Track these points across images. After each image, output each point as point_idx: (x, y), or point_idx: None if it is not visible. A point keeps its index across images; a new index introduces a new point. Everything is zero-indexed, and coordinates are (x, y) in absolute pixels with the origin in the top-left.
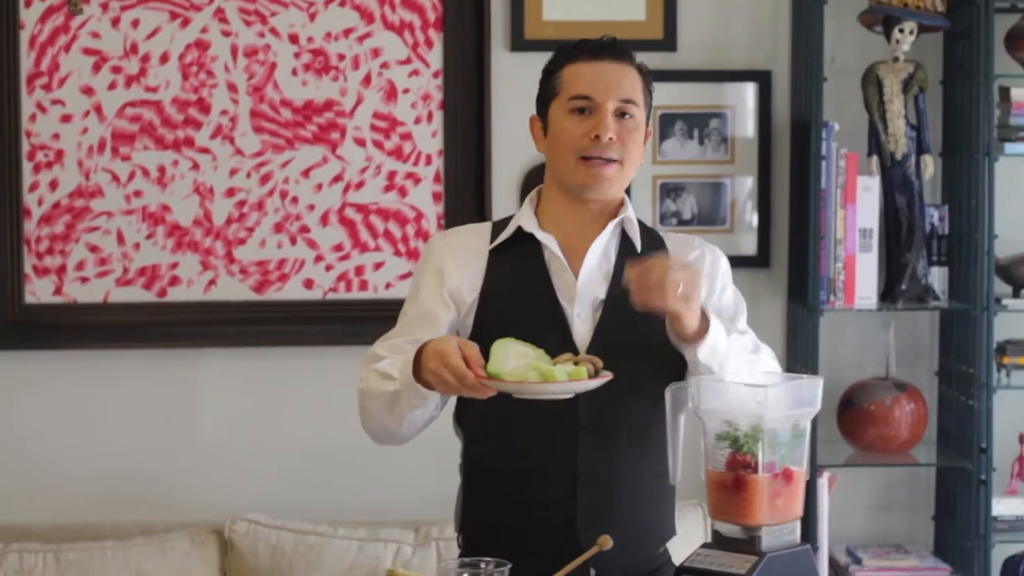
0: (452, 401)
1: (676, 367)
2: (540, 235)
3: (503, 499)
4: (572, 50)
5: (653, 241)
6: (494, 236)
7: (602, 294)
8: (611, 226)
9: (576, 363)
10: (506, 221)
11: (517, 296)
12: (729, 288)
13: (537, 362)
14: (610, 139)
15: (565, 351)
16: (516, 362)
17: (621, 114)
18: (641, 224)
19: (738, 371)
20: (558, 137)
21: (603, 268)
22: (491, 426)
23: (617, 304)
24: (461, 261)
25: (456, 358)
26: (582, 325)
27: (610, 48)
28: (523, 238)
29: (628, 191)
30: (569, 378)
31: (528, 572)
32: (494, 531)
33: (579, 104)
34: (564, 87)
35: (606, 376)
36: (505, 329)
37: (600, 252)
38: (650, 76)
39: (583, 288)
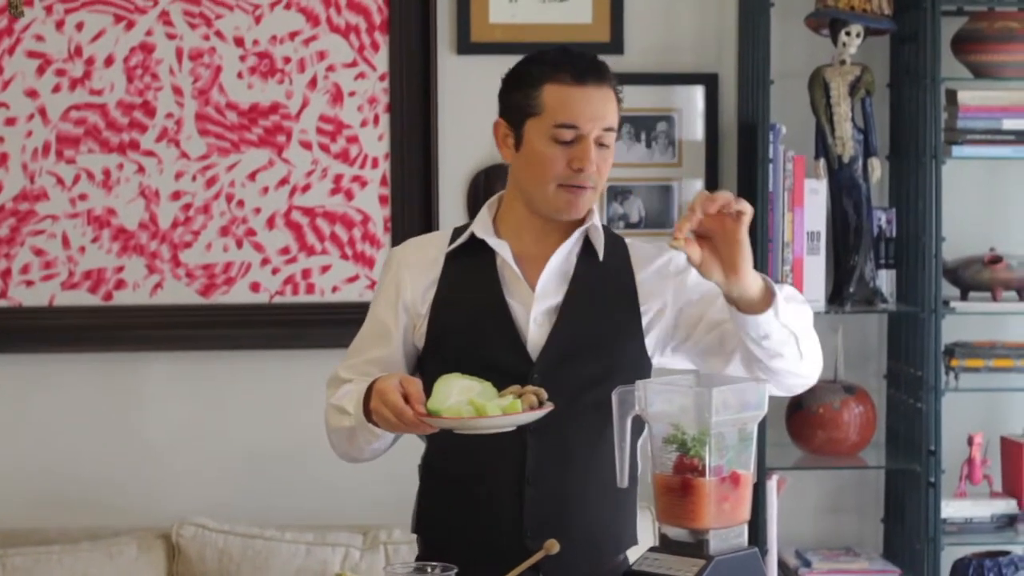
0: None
1: (629, 371)
2: (492, 242)
3: (455, 501)
4: (554, 67)
5: (617, 247)
6: (452, 241)
7: (559, 299)
8: (576, 234)
9: (520, 395)
10: (466, 226)
11: (468, 302)
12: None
13: (477, 397)
14: (592, 170)
15: (517, 357)
16: (459, 397)
17: (599, 141)
18: (606, 230)
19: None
20: (537, 162)
21: (562, 272)
22: (449, 431)
23: (573, 309)
24: (416, 273)
25: (395, 396)
26: (537, 331)
27: (594, 71)
28: (479, 245)
29: None
30: (503, 412)
31: (480, 575)
32: (447, 533)
33: (564, 135)
34: (547, 110)
35: (545, 408)
36: (457, 336)
37: (562, 258)
38: (621, 90)
39: (541, 294)
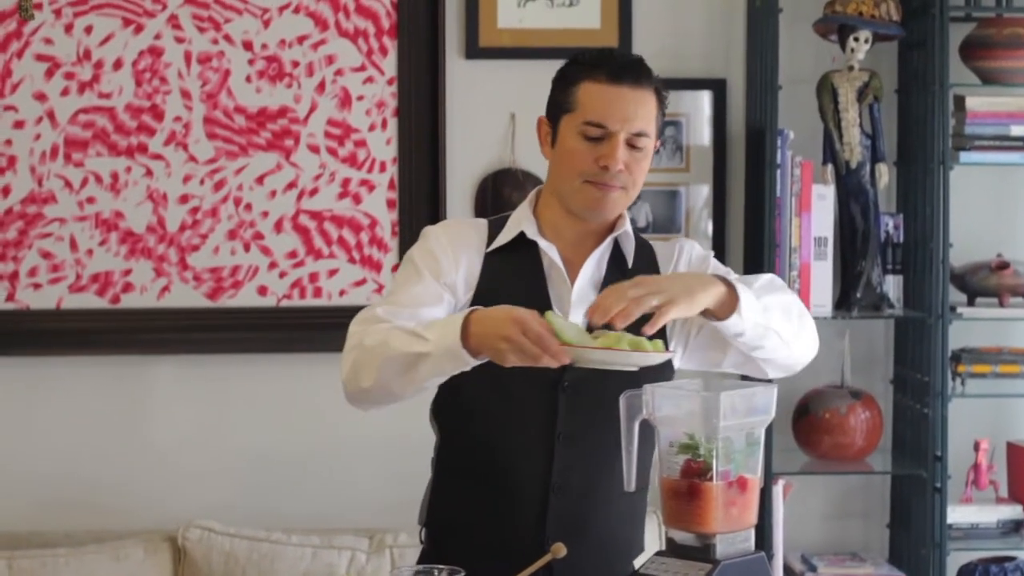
0: (428, 395)
1: (655, 378)
2: (543, 243)
3: (474, 500)
4: (592, 65)
5: (644, 253)
6: (491, 235)
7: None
8: (609, 240)
9: (617, 339)
10: (501, 220)
11: (513, 301)
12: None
13: (586, 336)
14: (619, 169)
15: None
16: (572, 330)
17: (632, 144)
18: (636, 236)
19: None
20: (565, 157)
21: (594, 280)
22: (470, 426)
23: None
24: (460, 255)
25: (536, 325)
26: None
27: (630, 72)
28: (520, 241)
29: None
30: (653, 349)
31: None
32: (461, 530)
33: (592, 132)
34: (579, 106)
35: (668, 352)
36: None
37: (594, 265)
38: (666, 94)
39: (577, 299)
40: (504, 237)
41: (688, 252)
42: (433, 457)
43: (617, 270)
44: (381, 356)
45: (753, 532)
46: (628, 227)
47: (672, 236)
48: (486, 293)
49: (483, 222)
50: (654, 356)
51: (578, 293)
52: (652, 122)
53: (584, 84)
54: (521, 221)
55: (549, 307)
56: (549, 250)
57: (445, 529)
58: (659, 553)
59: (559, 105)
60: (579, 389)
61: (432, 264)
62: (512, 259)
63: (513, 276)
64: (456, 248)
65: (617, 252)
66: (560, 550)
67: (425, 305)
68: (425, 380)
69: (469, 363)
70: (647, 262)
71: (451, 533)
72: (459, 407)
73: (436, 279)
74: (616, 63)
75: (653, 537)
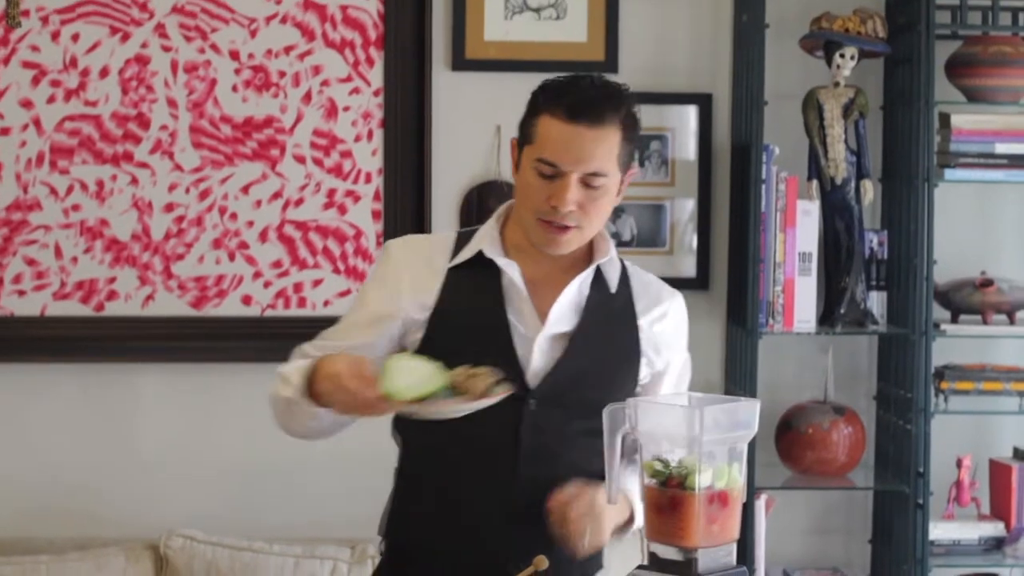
0: None
1: (624, 395)
2: (502, 262)
3: (436, 516)
4: (554, 98)
5: (622, 278)
6: (457, 248)
7: (568, 327)
8: (591, 268)
9: (472, 376)
10: (470, 234)
11: (469, 320)
12: (683, 351)
13: (428, 379)
14: (569, 210)
15: (514, 381)
16: (410, 378)
17: (587, 183)
18: (621, 261)
19: None
20: (523, 190)
21: (575, 303)
22: (432, 441)
23: (581, 342)
24: (416, 277)
25: (349, 379)
26: (541, 358)
27: (589, 111)
28: (486, 259)
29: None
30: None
31: None
32: (423, 543)
33: (545, 170)
34: (537, 140)
35: (504, 392)
36: (454, 351)
37: (576, 289)
38: (635, 127)
39: (555, 319)
40: (464, 255)
41: (674, 316)
42: (396, 467)
43: (599, 293)
44: (272, 398)
45: (735, 546)
46: (613, 253)
47: (657, 251)
48: (446, 308)
49: (450, 236)
50: (465, 407)
51: (557, 314)
52: (612, 160)
53: (543, 117)
54: (483, 239)
55: (506, 329)
56: (508, 268)
57: (406, 541)
58: (641, 567)
59: (523, 133)
60: (544, 402)
61: (382, 288)
62: (473, 276)
63: (472, 293)
64: (412, 269)
65: (600, 276)
66: (542, 563)
67: (368, 335)
68: (306, 423)
69: (317, 413)
70: (626, 290)
71: (413, 545)
72: (421, 422)
73: (386, 303)
74: (577, 99)
75: (635, 551)
